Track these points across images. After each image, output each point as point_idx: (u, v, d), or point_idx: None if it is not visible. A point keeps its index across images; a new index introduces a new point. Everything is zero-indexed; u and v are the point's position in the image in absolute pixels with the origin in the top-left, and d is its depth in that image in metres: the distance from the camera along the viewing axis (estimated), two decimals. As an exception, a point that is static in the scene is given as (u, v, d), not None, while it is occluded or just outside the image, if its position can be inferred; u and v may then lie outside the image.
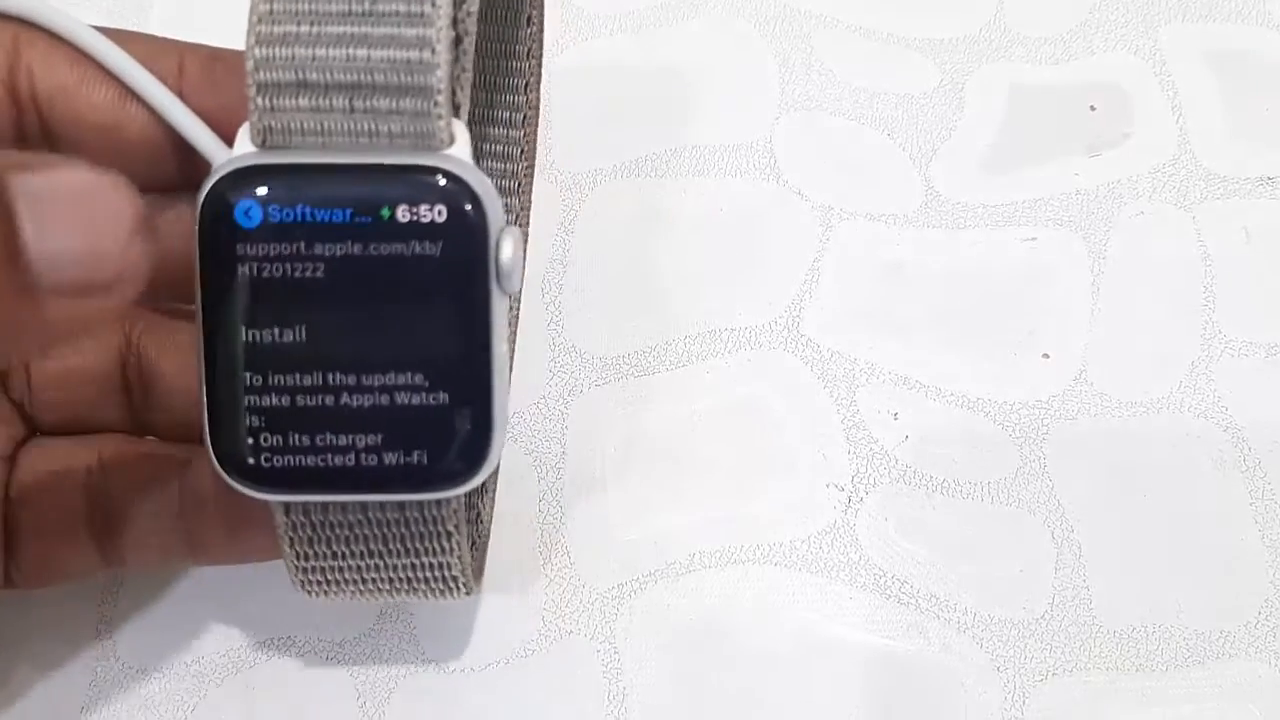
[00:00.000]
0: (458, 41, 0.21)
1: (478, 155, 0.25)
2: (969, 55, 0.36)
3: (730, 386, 0.31)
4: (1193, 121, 0.35)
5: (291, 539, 0.22)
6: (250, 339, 0.21)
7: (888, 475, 0.30)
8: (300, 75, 0.20)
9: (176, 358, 0.25)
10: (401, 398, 0.21)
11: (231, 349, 0.21)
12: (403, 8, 0.20)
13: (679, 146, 0.35)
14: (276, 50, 0.20)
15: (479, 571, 0.25)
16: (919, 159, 0.35)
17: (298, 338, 0.21)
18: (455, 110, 0.21)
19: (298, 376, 0.21)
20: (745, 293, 0.32)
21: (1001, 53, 0.36)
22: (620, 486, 0.30)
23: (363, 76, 0.20)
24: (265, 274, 0.21)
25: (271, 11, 0.21)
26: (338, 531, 0.22)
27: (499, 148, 0.27)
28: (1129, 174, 0.34)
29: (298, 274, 0.21)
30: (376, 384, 0.21)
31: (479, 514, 0.27)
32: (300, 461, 0.21)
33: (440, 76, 0.20)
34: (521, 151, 0.28)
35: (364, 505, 0.22)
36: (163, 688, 0.28)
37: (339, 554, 0.22)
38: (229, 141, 0.21)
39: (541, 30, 0.27)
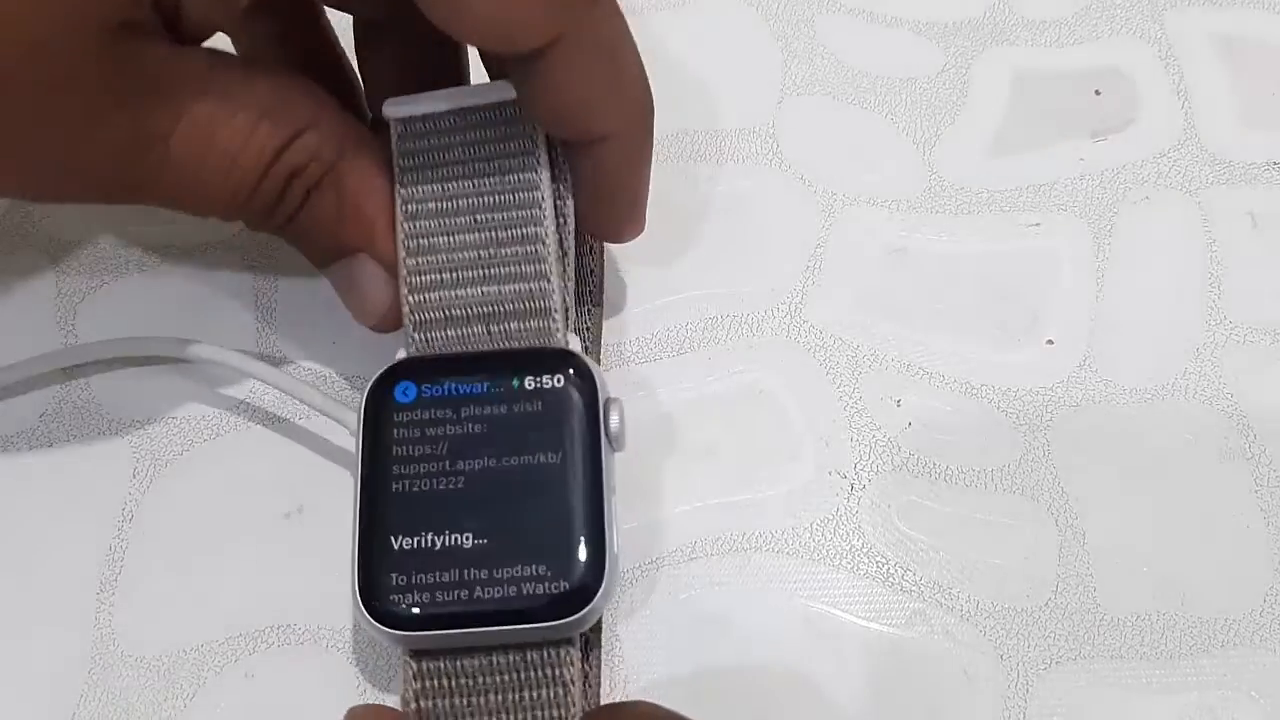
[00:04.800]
0: (563, 258, 0.27)
1: None
2: (973, 39, 0.36)
3: (732, 373, 0.31)
4: (1199, 106, 0.35)
5: (419, 690, 0.24)
6: (399, 489, 0.24)
7: (890, 462, 0.29)
8: (446, 313, 0.26)
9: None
10: (527, 547, 0.24)
11: (385, 499, 0.24)
12: (520, 249, 0.26)
13: (679, 131, 0.35)
14: (426, 296, 0.26)
15: None
16: (923, 144, 0.34)
17: (442, 487, 0.24)
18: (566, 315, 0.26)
19: (441, 524, 0.24)
20: (747, 279, 0.32)
21: (1006, 36, 0.36)
22: (620, 473, 0.29)
23: (495, 308, 0.26)
24: (416, 435, 0.25)
25: (419, 265, 0.26)
26: (462, 681, 0.24)
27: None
28: (1134, 159, 0.34)
29: (444, 433, 0.25)
30: (501, 525, 0.24)
31: (588, 682, 0.27)
32: (437, 604, 0.24)
33: (556, 301, 0.26)
34: (589, 329, 0.31)
35: (489, 651, 0.24)
36: (162, 675, 0.28)
37: (459, 708, 0.24)
38: None
39: (603, 248, 0.32)
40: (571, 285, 0.27)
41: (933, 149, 0.34)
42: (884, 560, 0.28)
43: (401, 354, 0.26)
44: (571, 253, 0.27)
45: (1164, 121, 0.35)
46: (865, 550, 0.28)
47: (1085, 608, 0.28)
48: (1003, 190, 0.33)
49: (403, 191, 0.27)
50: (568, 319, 0.26)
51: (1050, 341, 0.31)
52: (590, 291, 0.31)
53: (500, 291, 0.26)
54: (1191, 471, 0.29)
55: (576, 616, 0.23)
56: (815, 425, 0.30)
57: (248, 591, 0.28)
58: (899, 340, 0.31)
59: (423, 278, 0.26)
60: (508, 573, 0.24)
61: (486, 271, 0.26)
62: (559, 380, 0.25)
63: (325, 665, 0.28)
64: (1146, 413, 0.30)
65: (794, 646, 0.27)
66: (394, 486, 0.24)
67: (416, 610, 0.23)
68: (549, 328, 0.26)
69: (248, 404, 0.31)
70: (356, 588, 0.24)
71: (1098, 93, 0.35)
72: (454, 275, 0.26)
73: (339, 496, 0.28)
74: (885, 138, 0.34)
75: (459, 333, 0.26)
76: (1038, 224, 0.33)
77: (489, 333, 0.26)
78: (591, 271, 0.31)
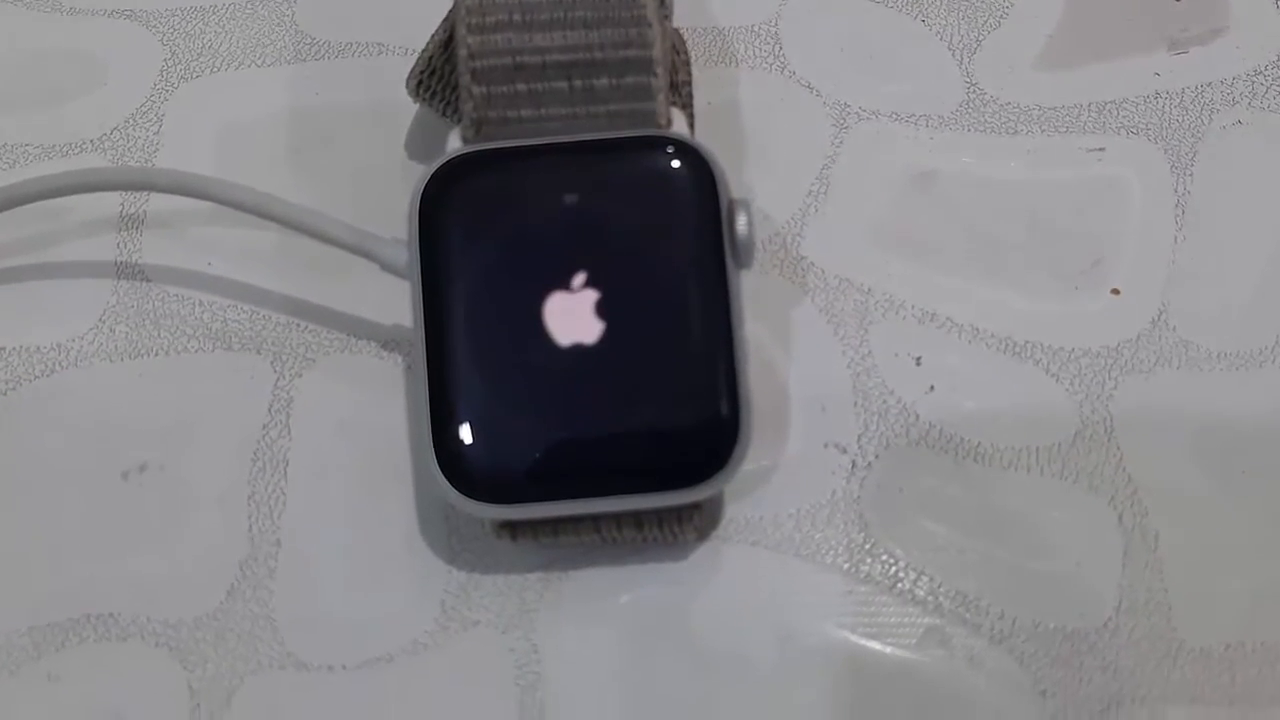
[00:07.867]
0: (662, 16, 0.23)
1: None
2: (1024, -68, 0.33)
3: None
4: (1305, 15, 0.31)
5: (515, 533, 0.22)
6: (475, 319, 0.21)
7: (905, 435, 0.26)
8: (516, 59, 0.22)
9: None
10: (640, 384, 0.21)
11: (458, 333, 0.21)
12: None
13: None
14: (490, 36, 0.22)
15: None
16: (959, 50, 0.31)
17: (528, 316, 0.21)
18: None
19: (534, 364, 0.21)
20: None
21: (1064, -70, 0.33)
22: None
23: (580, 55, 0.22)
24: (494, 253, 0.21)
25: (480, 4, 0.22)
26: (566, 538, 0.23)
27: None
28: (1222, 76, 0.30)
29: (525, 250, 0.22)
30: (609, 365, 0.21)
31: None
32: (530, 466, 0.21)
33: (658, 50, 0.22)
34: None
35: (596, 520, 0.22)
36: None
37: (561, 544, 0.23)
38: None
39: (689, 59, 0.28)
40: (669, 48, 0.23)
41: (972, 57, 0.30)
42: (892, 560, 0.24)
43: (455, 143, 0.23)
44: (671, 8, 0.23)
45: (1260, 33, 0.31)
46: (868, 547, 0.25)
47: (1157, 633, 0.24)
48: (1057, 108, 0.30)
49: None
50: (670, 89, 0.23)
51: (1116, 291, 0.27)
52: (683, 105, 0.27)
53: (586, 37, 0.22)
54: (1296, 460, 0.25)
55: (710, 480, 0.21)
56: (810, 384, 0.26)
57: (61, 571, 0.24)
58: (921, 283, 0.27)
59: (486, 18, 0.22)
60: (621, 425, 0.21)
61: (570, 15, 0.22)
62: (666, 175, 0.22)
63: (152, 667, 0.23)
64: (1236, 384, 0.26)
65: (769, 669, 0.24)
66: (468, 316, 0.21)
67: (509, 473, 0.21)
68: (649, 86, 0.22)
69: (99, 330, 0.26)
70: (432, 447, 0.21)
71: (1178, -2, 0.32)
72: (526, 18, 0.22)
73: (199, 452, 0.25)
74: (913, 42, 0.31)
75: (529, 86, 0.22)
76: (1101, 149, 0.29)
77: (570, 89, 0.22)
78: (684, 82, 0.27)
